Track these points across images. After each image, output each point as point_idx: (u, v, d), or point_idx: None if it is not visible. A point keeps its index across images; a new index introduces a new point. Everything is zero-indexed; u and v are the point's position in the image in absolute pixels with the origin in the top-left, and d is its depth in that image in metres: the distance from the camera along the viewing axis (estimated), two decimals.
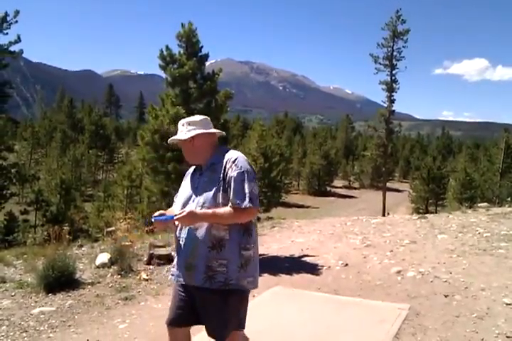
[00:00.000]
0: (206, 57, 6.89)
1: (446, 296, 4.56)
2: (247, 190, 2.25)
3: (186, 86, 6.70)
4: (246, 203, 2.23)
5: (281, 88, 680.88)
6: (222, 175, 2.29)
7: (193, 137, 2.35)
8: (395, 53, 32.77)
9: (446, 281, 5.00)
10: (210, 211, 2.22)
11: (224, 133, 2.56)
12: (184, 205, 2.37)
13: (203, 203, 2.29)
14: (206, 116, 2.49)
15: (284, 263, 6.15)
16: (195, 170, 2.50)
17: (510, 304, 4.22)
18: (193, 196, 2.36)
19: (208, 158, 2.38)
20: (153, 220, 2.33)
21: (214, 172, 2.33)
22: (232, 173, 2.27)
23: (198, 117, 2.45)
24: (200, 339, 3.06)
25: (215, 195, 2.27)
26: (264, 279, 5.50)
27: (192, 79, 6.74)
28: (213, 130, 2.45)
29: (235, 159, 2.31)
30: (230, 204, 2.25)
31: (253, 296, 4.80)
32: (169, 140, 2.46)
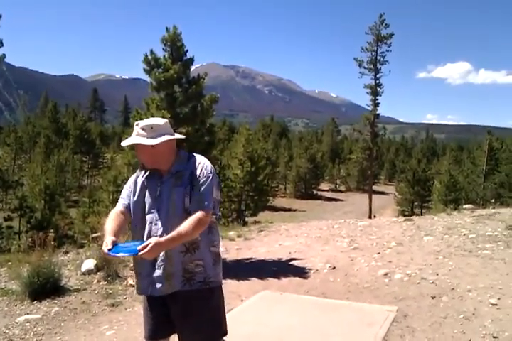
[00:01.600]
0: (191, 61, 6.86)
1: (433, 298, 4.59)
2: (214, 195, 2.25)
3: (171, 90, 6.67)
4: (211, 207, 2.21)
5: (266, 92, 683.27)
6: (189, 179, 2.23)
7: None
8: (378, 57, 33.21)
9: (433, 283, 5.04)
10: (175, 234, 2.08)
11: (183, 137, 2.45)
12: (151, 216, 2.26)
13: (172, 211, 2.21)
14: (167, 120, 2.33)
15: (271, 267, 6.14)
16: (149, 175, 2.34)
17: (496, 304, 4.27)
18: (158, 204, 2.25)
19: (170, 164, 2.27)
20: (109, 254, 2.05)
21: (179, 179, 2.25)
22: (203, 178, 2.23)
23: (160, 121, 2.28)
24: None
25: (182, 201, 2.20)
26: (252, 283, 5.49)
27: (177, 84, 6.71)
28: (176, 135, 2.32)
29: (204, 164, 2.29)
30: (195, 206, 2.18)
31: (241, 300, 4.78)
32: (127, 142, 2.23)
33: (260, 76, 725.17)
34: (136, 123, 2.25)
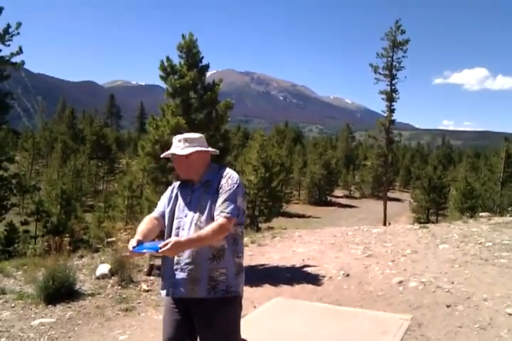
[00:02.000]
0: (207, 67, 6.92)
1: (448, 306, 4.53)
2: (238, 203, 2.35)
3: (187, 96, 6.73)
4: (235, 214, 2.31)
5: (281, 98, 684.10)
6: (216, 189, 2.37)
7: (190, 153, 2.41)
8: (394, 63, 32.97)
9: (448, 291, 4.97)
10: (195, 236, 2.22)
11: (217, 151, 2.58)
12: (179, 220, 2.41)
13: (198, 217, 2.35)
14: (202, 135, 2.56)
15: (285, 274, 6.12)
16: (183, 185, 2.53)
17: None
18: (187, 211, 2.41)
19: (201, 174, 2.45)
20: (133, 251, 2.21)
21: (208, 188, 2.40)
22: (228, 186, 2.36)
23: (195, 135, 2.52)
24: None
25: (210, 208, 2.34)
26: (265, 290, 5.48)
27: (192, 90, 6.77)
28: (210, 148, 2.52)
29: (231, 175, 2.43)
30: (219, 212, 2.30)
31: (254, 307, 4.78)
32: (165, 153, 2.49)
33: (275, 82, 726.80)
34: (174, 137, 2.49)
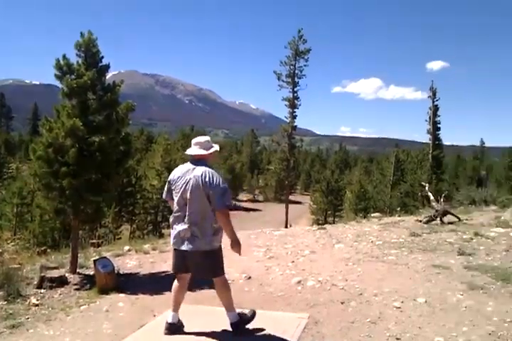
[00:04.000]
0: (107, 67, 6.65)
1: (342, 303, 4.77)
2: None
3: (85, 97, 6.40)
4: None
5: (187, 102, 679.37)
6: None
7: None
8: (296, 71, 34.22)
9: (342, 288, 5.24)
10: None
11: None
12: None
13: None
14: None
15: None
16: None
17: (399, 307, 4.53)
18: None
19: None
20: None
21: None
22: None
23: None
24: None
25: None
26: (166, 298, 5.34)
27: (91, 91, 6.46)
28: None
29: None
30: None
31: (154, 316, 4.65)
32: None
33: (181, 85, 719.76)
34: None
